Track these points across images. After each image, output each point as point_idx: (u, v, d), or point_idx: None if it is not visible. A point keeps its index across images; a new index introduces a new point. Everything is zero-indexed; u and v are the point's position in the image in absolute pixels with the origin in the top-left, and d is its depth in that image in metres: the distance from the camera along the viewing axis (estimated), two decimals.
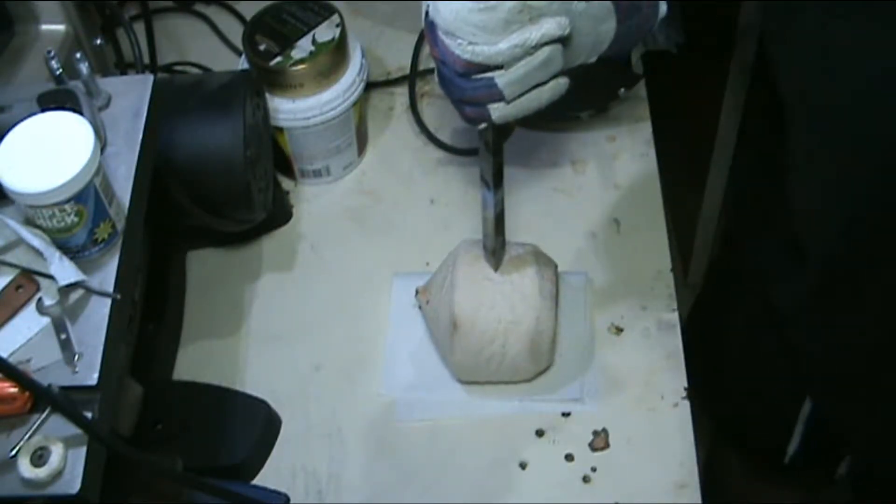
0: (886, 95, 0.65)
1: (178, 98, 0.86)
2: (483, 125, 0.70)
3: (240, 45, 0.97)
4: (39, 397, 0.60)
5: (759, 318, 0.96)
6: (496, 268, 0.83)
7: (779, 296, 0.89)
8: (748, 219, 1.00)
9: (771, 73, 0.76)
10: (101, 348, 0.63)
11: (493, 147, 0.75)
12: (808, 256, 0.81)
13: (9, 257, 0.67)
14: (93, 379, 0.62)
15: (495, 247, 0.84)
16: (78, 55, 0.74)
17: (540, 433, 0.84)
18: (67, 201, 0.64)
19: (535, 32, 0.63)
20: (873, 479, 1.05)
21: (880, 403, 0.87)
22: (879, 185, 0.70)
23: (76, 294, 0.65)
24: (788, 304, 0.88)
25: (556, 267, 0.86)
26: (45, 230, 0.65)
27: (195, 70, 1.09)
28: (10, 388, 0.59)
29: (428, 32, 0.67)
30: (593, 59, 0.70)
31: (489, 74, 0.65)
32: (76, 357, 0.63)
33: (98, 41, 0.95)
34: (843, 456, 1.10)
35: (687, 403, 0.84)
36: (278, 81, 0.92)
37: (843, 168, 0.72)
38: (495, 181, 0.78)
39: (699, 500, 0.80)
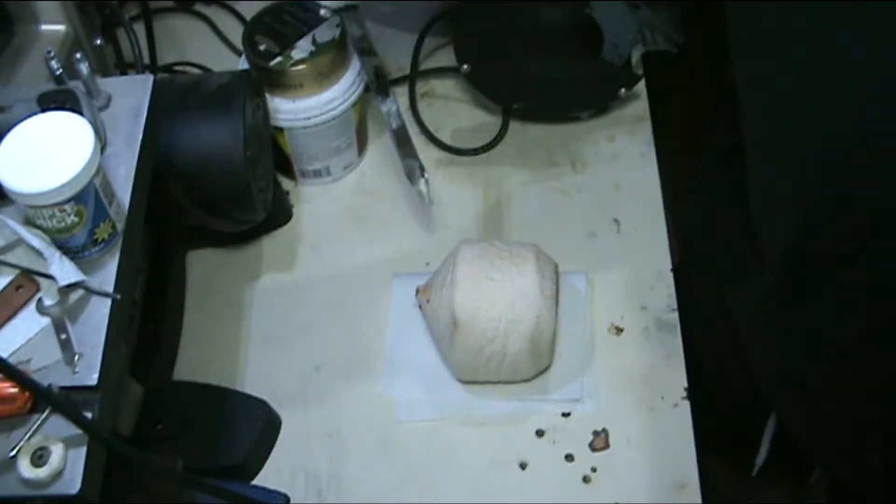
0: (843, 92, 0.63)
1: (178, 98, 0.85)
2: None
3: (240, 45, 0.97)
4: (39, 397, 0.60)
5: (716, 324, 0.94)
6: (429, 201, 0.86)
7: (737, 299, 0.87)
8: (706, 221, 0.99)
9: (725, 71, 0.75)
10: (101, 348, 0.63)
11: None
12: (765, 257, 0.79)
13: (9, 257, 0.66)
14: (93, 379, 0.62)
15: (410, 170, 0.86)
16: (78, 55, 0.74)
17: (540, 433, 0.84)
18: (67, 201, 0.63)
19: None
20: (841, 487, 1.04)
21: (841, 410, 0.85)
22: (838, 183, 0.68)
23: (76, 294, 0.65)
24: (747, 307, 0.86)
25: (556, 266, 0.86)
26: (45, 230, 0.65)
27: (195, 70, 1.09)
28: (10, 388, 0.59)
29: None
30: None
31: None
32: (76, 357, 0.63)
33: (98, 41, 0.95)
34: (812, 466, 1.09)
35: (687, 403, 0.84)
36: (278, 81, 0.92)
37: (801, 165, 0.70)
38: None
39: (699, 500, 0.80)
